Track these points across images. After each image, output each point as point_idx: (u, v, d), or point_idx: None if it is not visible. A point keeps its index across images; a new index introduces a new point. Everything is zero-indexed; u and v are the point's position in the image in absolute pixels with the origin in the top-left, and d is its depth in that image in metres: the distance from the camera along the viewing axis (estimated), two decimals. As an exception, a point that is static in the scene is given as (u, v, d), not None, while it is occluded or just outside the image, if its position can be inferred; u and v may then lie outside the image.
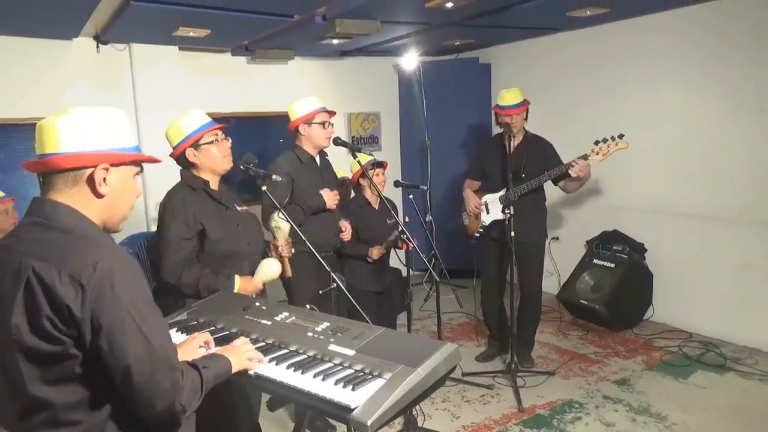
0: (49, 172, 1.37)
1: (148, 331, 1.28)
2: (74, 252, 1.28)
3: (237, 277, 2.51)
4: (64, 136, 1.35)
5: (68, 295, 1.23)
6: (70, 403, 1.30)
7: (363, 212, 3.86)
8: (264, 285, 2.62)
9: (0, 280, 1.30)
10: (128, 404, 1.31)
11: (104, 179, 1.38)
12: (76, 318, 1.23)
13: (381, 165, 3.92)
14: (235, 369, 1.61)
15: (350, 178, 4.90)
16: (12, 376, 1.30)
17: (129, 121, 1.48)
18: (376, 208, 3.90)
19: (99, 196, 1.39)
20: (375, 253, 3.80)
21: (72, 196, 1.37)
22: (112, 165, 1.39)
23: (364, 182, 3.88)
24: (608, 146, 3.73)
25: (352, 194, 4.85)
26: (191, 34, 4.42)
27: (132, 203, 1.49)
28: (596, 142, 3.76)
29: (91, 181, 1.37)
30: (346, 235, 3.45)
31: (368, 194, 3.91)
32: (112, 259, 1.28)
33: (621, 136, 3.70)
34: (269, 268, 2.57)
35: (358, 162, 3.50)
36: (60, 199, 1.37)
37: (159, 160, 1.56)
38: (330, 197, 3.28)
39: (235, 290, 2.49)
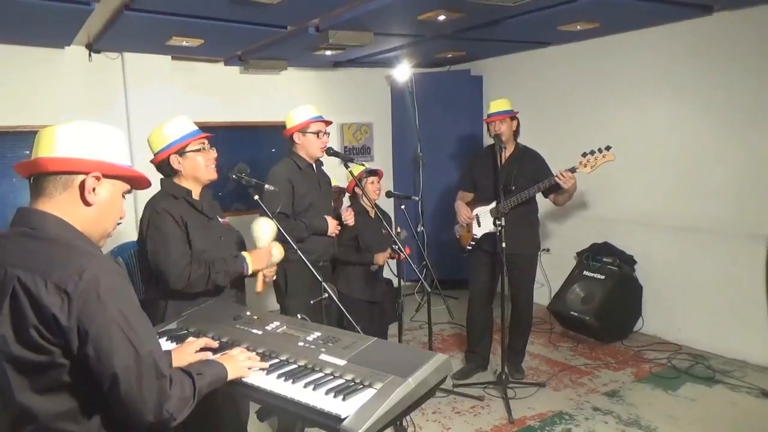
0: (41, 174, 1.38)
1: (135, 339, 1.28)
2: (60, 261, 1.28)
3: (245, 253, 2.47)
4: (60, 141, 1.37)
5: (54, 305, 1.22)
6: (60, 413, 1.30)
7: (359, 221, 3.87)
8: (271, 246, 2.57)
9: None
10: (117, 412, 1.31)
11: (94, 189, 1.39)
12: (63, 327, 1.23)
13: (375, 173, 3.95)
14: (230, 377, 1.61)
15: (343, 187, 4.92)
16: (2, 386, 1.29)
17: (127, 143, 1.51)
18: (372, 217, 3.91)
19: (87, 204, 1.39)
20: (381, 258, 3.81)
21: (60, 202, 1.37)
22: (104, 176, 1.40)
23: (359, 191, 3.89)
24: (596, 158, 3.75)
25: (344, 204, 4.86)
26: (184, 43, 4.43)
27: (115, 222, 1.49)
28: (584, 154, 3.78)
29: (81, 188, 1.38)
30: (350, 220, 3.48)
31: (364, 202, 3.92)
32: (98, 267, 1.28)
33: (608, 148, 3.73)
34: (265, 227, 2.51)
35: (351, 173, 3.52)
36: (48, 206, 1.37)
37: (149, 182, 1.56)
38: (333, 225, 3.33)
39: (250, 267, 2.45)
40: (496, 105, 3.96)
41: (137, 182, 1.52)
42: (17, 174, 1.44)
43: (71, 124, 1.40)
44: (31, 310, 1.24)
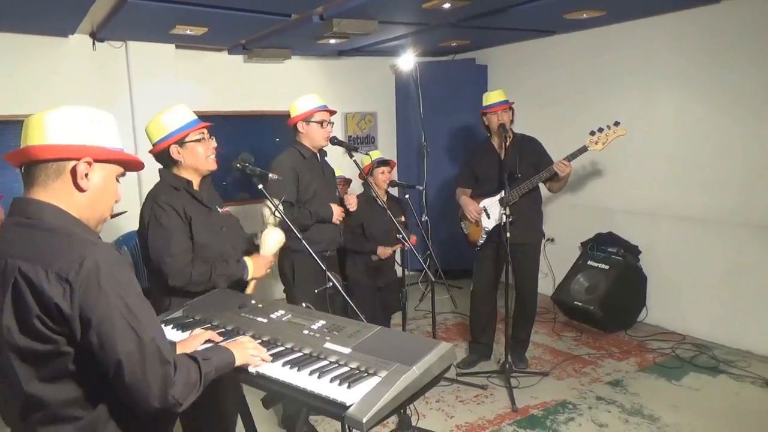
0: (32, 163, 1.37)
1: (137, 326, 1.29)
2: (60, 250, 1.28)
3: (247, 259, 2.45)
4: (49, 128, 1.36)
5: (56, 294, 1.23)
6: (67, 400, 1.31)
7: (370, 208, 3.86)
8: (274, 257, 2.56)
9: None
10: (123, 398, 1.32)
11: (86, 174, 1.38)
12: (66, 315, 1.23)
13: (387, 163, 3.96)
14: (238, 362, 1.62)
15: (349, 178, 4.93)
16: (9, 376, 1.30)
17: (117, 126, 1.48)
18: (382, 206, 3.90)
19: (81, 190, 1.38)
20: (382, 252, 3.81)
21: (54, 191, 1.37)
22: (96, 161, 1.40)
23: (371, 179, 3.91)
24: (606, 135, 3.73)
25: (348, 193, 4.87)
26: (188, 32, 4.41)
27: (111, 206, 1.48)
28: (592, 133, 3.77)
29: (74, 175, 1.37)
30: (353, 205, 3.49)
31: (377, 190, 3.92)
32: (98, 254, 1.28)
33: (617, 124, 3.71)
34: (273, 238, 2.50)
35: (355, 162, 3.51)
36: (42, 195, 1.36)
37: (142, 164, 1.55)
38: (338, 212, 3.33)
39: (250, 274, 2.43)
40: (497, 96, 3.95)
41: (130, 165, 1.51)
42: (8, 164, 1.43)
43: (59, 110, 1.38)
44: (33, 300, 1.24)
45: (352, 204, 3.51)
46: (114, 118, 1.48)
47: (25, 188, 1.40)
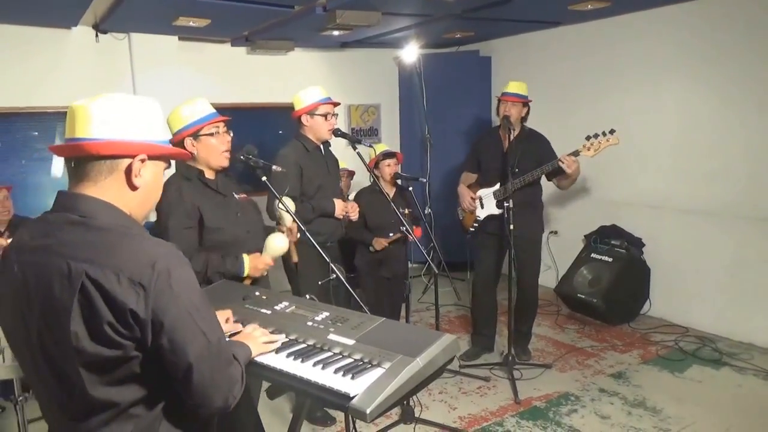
0: (83, 158, 1.30)
1: (206, 328, 1.27)
2: (126, 252, 1.23)
3: (245, 256, 2.48)
4: (98, 121, 1.29)
5: (130, 299, 1.19)
6: (131, 401, 1.28)
7: (374, 199, 3.85)
8: (273, 261, 2.58)
9: (46, 285, 1.23)
10: (187, 400, 1.29)
11: (139, 171, 1.33)
12: (141, 320, 1.20)
13: (393, 155, 3.96)
14: (254, 354, 1.62)
15: (352, 170, 4.92)
16: (71, 381, 1.25)
17: (162, 114, 1.42)
18: (390, 197, 3.90)
19: (133, 188, 1.33)
20: (378, 244, 3.81)
21: (105, 187, 1.31)
22: (150, 157, 1.34)
23: (377, 171, 3.91)
24: (599, 142, 3.73)
25: (350, 187, 4.86)
26: (191, 23, 4.41)
27: (157, 200, 1.45)
28: (587, 138, 3.76)
29: (128, 172, 1.32)
30: (354, 214, 3.46)
31: (383, 183, 3.92)
32: (167, 257, 1.25)
33: (612, 132, 3.71)
34: (277, 243, 2.53)
35: (358, 154, 3.50)
36: (92, 191, 1.30)
37: (190, 155, 1.52)
38: (340, 207, 3.31)
39: (246, 270, 2.47)
40: (515, 86, 3.91)
41: (182, 158, 1.49)
42: (49, 153, 1.40)
43: (106, 101, 1.31)
44: (105, 306, 1.19)
45: (353, 213, 3.46)
46: (158, 105, 1.41)
47: (71, 182, 1.33)
